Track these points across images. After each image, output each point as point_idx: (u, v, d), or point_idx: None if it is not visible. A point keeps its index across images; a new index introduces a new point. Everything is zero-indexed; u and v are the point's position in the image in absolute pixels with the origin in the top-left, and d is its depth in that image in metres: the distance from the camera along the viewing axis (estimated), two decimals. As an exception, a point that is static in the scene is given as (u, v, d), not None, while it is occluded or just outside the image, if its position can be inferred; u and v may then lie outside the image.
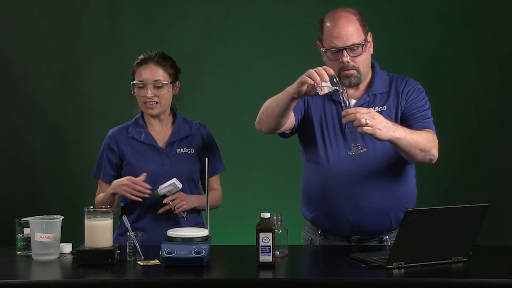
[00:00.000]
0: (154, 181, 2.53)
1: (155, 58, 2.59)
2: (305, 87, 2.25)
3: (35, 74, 4.10)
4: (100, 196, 2.63)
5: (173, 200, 2.52)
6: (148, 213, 2.58)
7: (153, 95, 2.56)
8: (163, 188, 2.50)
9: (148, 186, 2.48)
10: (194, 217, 2.64)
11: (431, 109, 2.47)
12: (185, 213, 2.55)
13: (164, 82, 2.57)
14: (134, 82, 2.59)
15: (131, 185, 2.47)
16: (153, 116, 2.62)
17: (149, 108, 2.58)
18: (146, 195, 2.48)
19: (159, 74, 2.58)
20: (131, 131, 2.64)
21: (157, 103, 2.58)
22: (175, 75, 2.63)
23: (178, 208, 2.52)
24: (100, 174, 2.65)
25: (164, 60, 2.60)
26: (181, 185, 2.52)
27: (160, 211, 2.53)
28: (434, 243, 2.08)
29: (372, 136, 2.21)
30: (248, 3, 4.11)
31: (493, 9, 4.00)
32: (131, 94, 2.64)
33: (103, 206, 2.25)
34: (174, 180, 2.50)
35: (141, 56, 2.61)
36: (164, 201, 2.52)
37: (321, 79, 2.19)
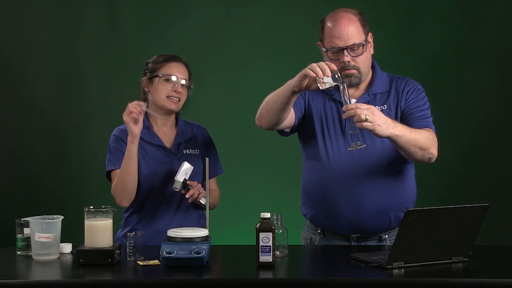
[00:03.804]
0: (164, 182, 2.55)
1: (183, 59, 2.66)
2: (306, 81, 2.25)
3: (35, 74, 4.11)
4: (118, 175, 2.52)
5: (192, 187, 2.50)
6: (151, 215, 2.59)
7: (180, 91, 2.59)
8: (180, 175, 2.50)
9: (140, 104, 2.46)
10: (197, 218, 2.64)
11: (431, 109, 2.48)
12: (205, 200, 2.52)
13: (188, 83, 2.62)
14: (160, 75, 2.58)
15: (127, 111, 2.45)
16: (171, 113, 2.63)
17: (173, 103, 2.59)
18: (138, 109, 2.44)
19: (187, 74, 2.64)
20: None
21: (179, 99, 2.60)
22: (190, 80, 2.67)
23: (200, 193, 2.52)
24: (116, 163, 2.56)
25: (187, 65, 2.67)
26: (192, 166, 2.53)
27: (188, 195, 2.49)
28: (434, 243, 2.08)
29: (372, 132, 2.22)
30: (248, 3, 4.12)
31: (493, 9, 4.00)
32: (142, 91, 2.65)
33: (103, 206, 2.24)
34: (185, 163, 2.52)
35: (166, 54, 2.64)
36: (187, 195, 2.49)
37: (323, 74, 2.20)
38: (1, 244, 2.61)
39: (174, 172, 2.53)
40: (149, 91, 2.63)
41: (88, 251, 2.14)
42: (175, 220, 2.57)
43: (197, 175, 2.60)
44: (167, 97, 2.58)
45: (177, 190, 2.51)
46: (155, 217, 2.58)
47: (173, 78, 2.58)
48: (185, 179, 2.50)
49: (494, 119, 4.03)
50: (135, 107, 2.45)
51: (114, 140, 2.61)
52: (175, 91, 2.58)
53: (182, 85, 2.60)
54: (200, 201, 2.52)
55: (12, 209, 3.97)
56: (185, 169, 2.51)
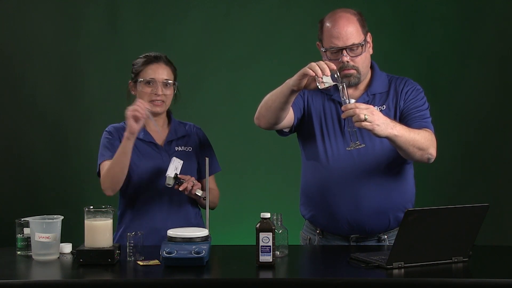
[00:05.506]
0: (155, 178, 2.55)
1: (164, 58, 2.63)
2: (305, 80, 2.25)
3: (35, 74, 4.11)
4: (109, 165, 2.51)
5: (185, 180, 2.49)
6: (148, 214, 2.59)
7: (162, 93, 2.58)
8: (170, 170, 2.48)
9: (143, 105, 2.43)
10: (193, 215, 2.64)
11: (430, 109, 2.48)
12: (201, 192, 2.51)
13: (171, 82, 2.61)
14: (141, 79, 2.59)
15: (133, 107, 2.42)
16: (157, 114, 2.63)
17: (157, 106, 2.59)
18: (146, 112, 2.42)
19: (168, 73, 2.62)
20: None
21: (163, 101, 2.60)
22: (176, 77, 2.66)
23: (194, 185, 2.50)
24: (109, 154, 2.55)
25: (170, 62, 2.65)
26: (181, 161, 2.51)
27: (181, 188, 2.48)
28: (434, 243, 2.08)
29: (371, 132, 2.22)
30: (248, 3, 4.12)
31: (493, 9, 4.00)
32: (129, 93, 2.65)
33: (103, 206, 2.24)
34: (174, 158, 2.52)
35: (146, 56, 2.62)
36: (180, 188, 2.48)
37: (323, 73, 2.19)
38: (1, 244, 2.61)
39: (164, 168, 2.52)
40: (135, 94, 2.64)
41: (88, 251, 2.14)
42: (170, 217, 2.56)
43: (189, 172, 2.59)
44: (151, 101, 2.58)
45: (170, 186, 2.49)
46: (148, 213, 2.58)
47: (153, 81, 2.57)
48: (176, 173, 2.49)
49: (494, 119, 4.02)
50: (143, 109, 2.42)
51: (107, 135, 2.63)
52: (156, 94, 2.57)
53: (166, 85, 2.59)
54: (196, 193, 2.50)
55: (12, 209, 3.96)
56: (175, 164, 2.50)
